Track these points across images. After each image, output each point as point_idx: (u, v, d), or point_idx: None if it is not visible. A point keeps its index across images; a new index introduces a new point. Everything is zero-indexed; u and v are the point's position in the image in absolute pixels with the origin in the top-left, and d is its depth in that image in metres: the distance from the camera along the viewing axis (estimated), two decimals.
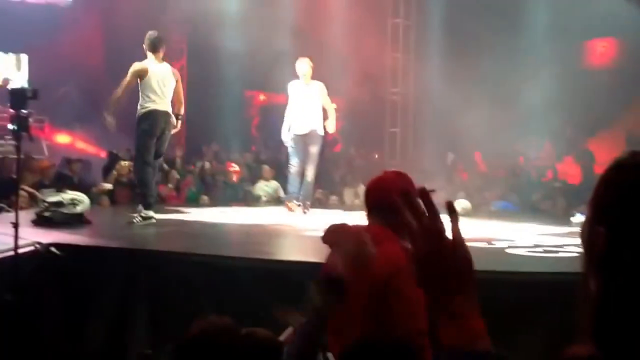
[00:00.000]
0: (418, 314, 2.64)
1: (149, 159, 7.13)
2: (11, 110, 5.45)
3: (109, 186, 10.17)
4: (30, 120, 5.55)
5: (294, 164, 8.71)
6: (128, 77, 7.11)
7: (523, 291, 4.62)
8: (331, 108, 8.79)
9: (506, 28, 11.76)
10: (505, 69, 11.32)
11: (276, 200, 11.34)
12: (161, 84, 7.15)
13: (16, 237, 5.19)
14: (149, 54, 7.25)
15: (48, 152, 12.73)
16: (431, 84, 11.86)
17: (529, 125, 11.86)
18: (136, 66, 7.15)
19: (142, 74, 7.11)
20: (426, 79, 12.41)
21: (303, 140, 8.59)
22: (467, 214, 9.41)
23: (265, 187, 11.90)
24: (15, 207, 5.59)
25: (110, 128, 7.22)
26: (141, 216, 7.08)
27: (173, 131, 7.45)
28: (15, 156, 5.84)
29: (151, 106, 7.10)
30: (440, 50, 12.13)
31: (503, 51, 11.50)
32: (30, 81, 13.67)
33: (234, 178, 12.16)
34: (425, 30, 13.14)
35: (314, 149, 8.61)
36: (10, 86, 13.61)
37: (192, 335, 2.72)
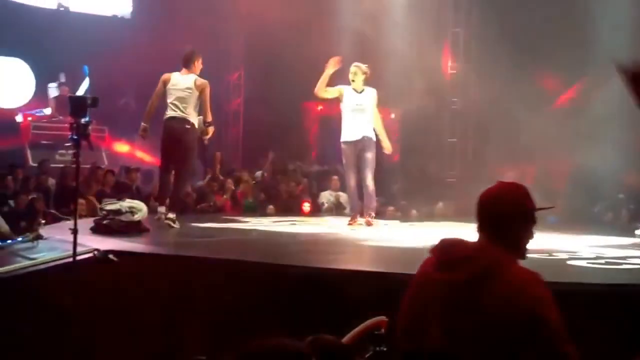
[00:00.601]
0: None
1: (164, 167, 7.85)
2: (71, 118, 5.57)
3: None
4: (90, 128, 5.59)
5: (350, 177, 8.46)
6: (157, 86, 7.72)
7: (584, 303, 4.47)
8: (380, 124, 8.51)
9: (570, 37, 11.49)
10: (569, 79, 11.04)
11: (337, 209, 11.32)
12: (181, 94, 7.55)
13: (75, 243, 5.28)
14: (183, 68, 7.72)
15: (108, 161, 12.98)
16: (492, 93, 11.59)
17: (593, 136, 11.54)
18: (162, 75, 7.70)
19: (165, 82, 7.62)
20: (487, 88, 12.17)
21: (355, 148, 8.34)
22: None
23: (329, 196, 11.90)
24: (74, 214, 5.68)
25: (141, 134, 7.79)
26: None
27: (205, 137, 7.95)
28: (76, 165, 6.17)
29: (169, 114, 7.59)
30: (502, 60, 11.87)
31: (566, 60, 11.22)
32: (88, 90, 13.99)
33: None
34: (487, 39, 12.92)
35: (369, 155, 8.31)
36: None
37: (253, 347, 2.67)
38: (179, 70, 7.74)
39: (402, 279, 4.73)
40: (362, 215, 8.52)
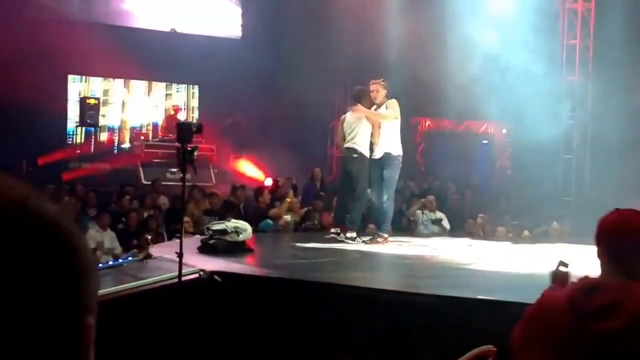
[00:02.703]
0: None
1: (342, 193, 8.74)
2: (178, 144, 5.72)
3: (287, 218, 10.40)
4: (195, 154, 5.76)
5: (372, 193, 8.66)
6: None
7: None
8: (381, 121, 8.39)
9: None
10: None
11: (438, 232, 11.00)
12: (348, 129, 8.34)
13: (180, 266, 5.34)
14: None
15: (216, 179, 13.18)
16: (611, 108, 10.97)
17: None
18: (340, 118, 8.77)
19: (342, 122, 8.56)
20: (606, 102, 11.54)
21: (378, 165, 8.39)
22: None
23: (421, 215, 11.53)
24: (180, 236, 5.77)
25: None
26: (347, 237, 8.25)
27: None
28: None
29: (345, 145, 8.40)
30: (623, 73, 11.22)
31: None
32: (199, 110, 14.35)
33: None
34: (606, 51, 12.28)
35: (386, 173, 8.36)
36: (180, 115, 14.46)
37: None
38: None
39: (514, 309, 4.50)
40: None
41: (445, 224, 11.08)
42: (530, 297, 4.29)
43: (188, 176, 12.25)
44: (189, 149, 5.59)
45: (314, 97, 12.63)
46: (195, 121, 14.10)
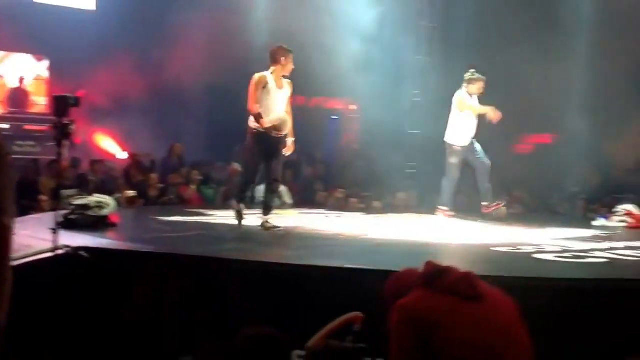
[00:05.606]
0: None
1: None
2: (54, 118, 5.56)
3: (132, 193, 10.21)
4: (72, 128, 5.61)
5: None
6: None
7: (555, 299, 4.56)
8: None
9: (540, 28, 11.53)
10: (538, 74, 11.06)
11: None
12: None
13: (56, 242, 5.26)
14: None
15: (69, 153, 12.73)
16: (454, 87, 11.55)
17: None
18: None
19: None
20: (449, 82, 12.14)
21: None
22: (500, 218, 9.25)
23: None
24: (56, 210, 5.63)
25: None
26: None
27: None
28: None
29: None
30: (468, 54, 11.87)
31: (536, 54, 11.27)
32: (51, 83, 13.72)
33: None
34: (451, 32, 12.94)
35: None
36: (25, 85, 13.80)
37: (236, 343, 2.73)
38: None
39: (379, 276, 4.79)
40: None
41: (287, 198, 11.00)
42: (394, 264, 4.59)
43: (38, 150, 11.83)
44: (66, 122, 5.45)
45: (170, 72, 12.49)
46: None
